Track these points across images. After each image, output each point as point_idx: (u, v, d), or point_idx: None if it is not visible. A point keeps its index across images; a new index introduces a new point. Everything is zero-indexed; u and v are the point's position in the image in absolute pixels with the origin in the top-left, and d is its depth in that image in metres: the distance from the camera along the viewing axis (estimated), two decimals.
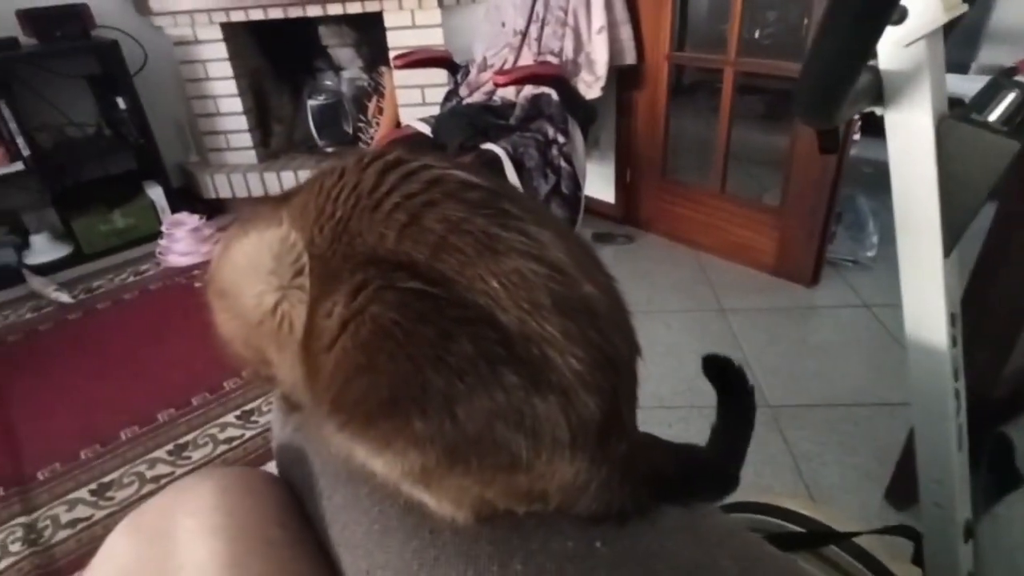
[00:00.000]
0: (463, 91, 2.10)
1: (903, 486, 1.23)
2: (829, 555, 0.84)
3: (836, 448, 1.34)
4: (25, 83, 2.33)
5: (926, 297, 0.59)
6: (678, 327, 1.77)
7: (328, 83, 2.91)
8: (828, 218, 1.82)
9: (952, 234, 0.56)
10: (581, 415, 0.30)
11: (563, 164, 1.92)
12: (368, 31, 2.68)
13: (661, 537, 0.34)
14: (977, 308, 1.05)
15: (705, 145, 2.25)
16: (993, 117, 0.52)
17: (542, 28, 2.01)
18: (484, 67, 2.11)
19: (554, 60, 1.97)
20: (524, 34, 2.05)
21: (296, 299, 0.34)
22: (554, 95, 1.86)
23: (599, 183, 2.40)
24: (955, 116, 0.54)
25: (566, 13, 1.96)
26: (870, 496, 1.23)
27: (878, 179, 2.46)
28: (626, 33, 2.02)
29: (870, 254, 1.97)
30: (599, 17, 1.94)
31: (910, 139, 0.55)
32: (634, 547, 0.33)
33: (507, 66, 2.03)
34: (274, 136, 2.84)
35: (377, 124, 2.70)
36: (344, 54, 2.89)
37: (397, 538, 0.36)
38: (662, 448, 0.39)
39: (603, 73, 1.95)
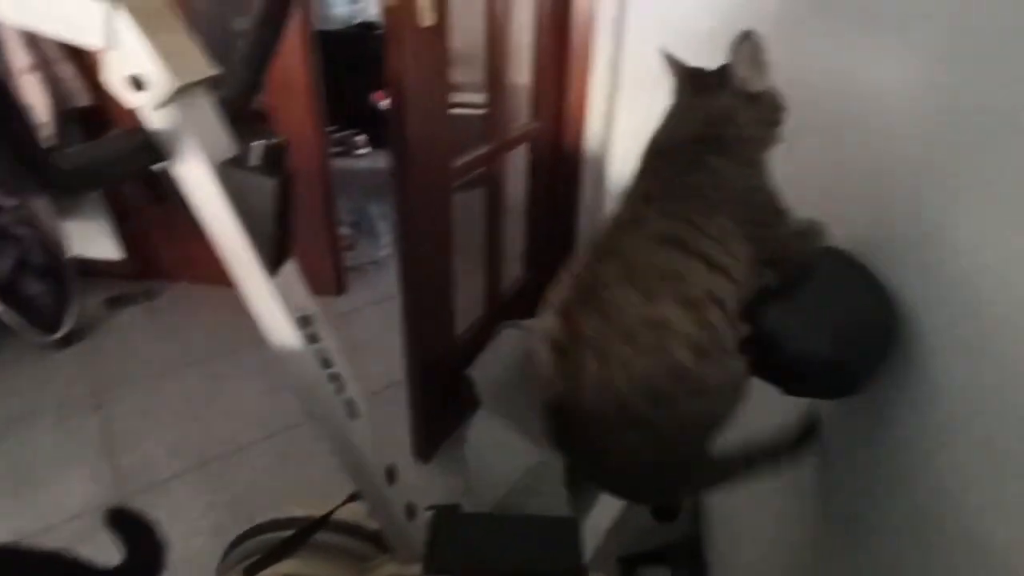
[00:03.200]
0: None
1: (424, 442, 1.49)
2: (325, 541, 0.93)
3: None
4: None
5: (269, 310, 0.69)
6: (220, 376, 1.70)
7: None
8: (333, 232, 2.02)
9: (268, 257, 0.68)
10: None
11: (23, 231, 1.60)
12: None
13: None
14: (412, 293, 1.33)
15: None
16: (254, 161, 0.63)
17: None
18: None
19: None
20: None
21: None
22: None
23: (98, 240, 2.08)
24: (230, 163, 0.64)
25: None
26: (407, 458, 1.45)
27: (384, 186, 2.86)
28: (67, 71, 1.78)
29: (383, 253, 2.28)
30: (22, 55, 1.66)
31: (198, 187, 0.63)
32: None
33: None
34: None
35: None
36: None
37: None
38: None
39: (47, 119, 1.69)
